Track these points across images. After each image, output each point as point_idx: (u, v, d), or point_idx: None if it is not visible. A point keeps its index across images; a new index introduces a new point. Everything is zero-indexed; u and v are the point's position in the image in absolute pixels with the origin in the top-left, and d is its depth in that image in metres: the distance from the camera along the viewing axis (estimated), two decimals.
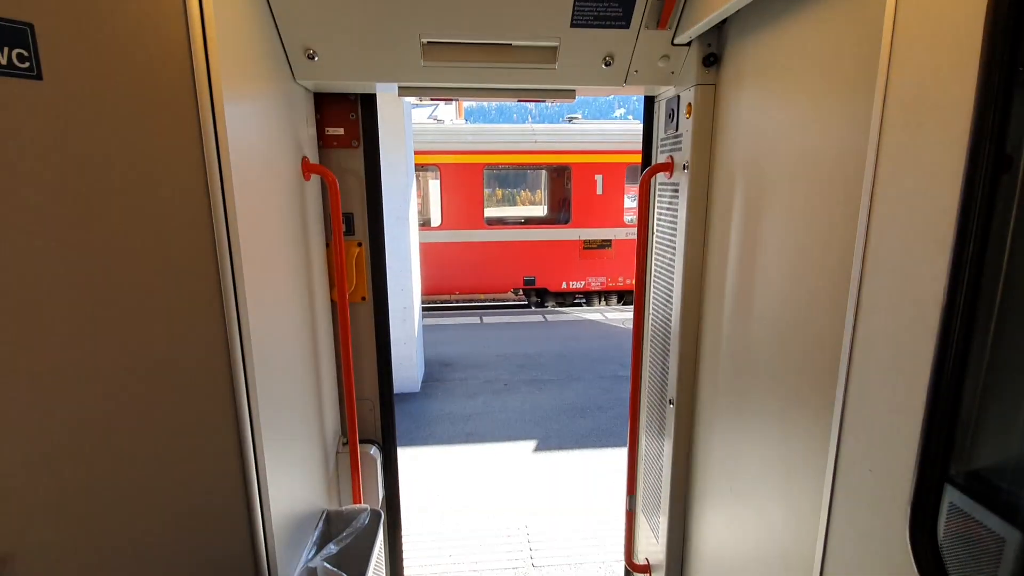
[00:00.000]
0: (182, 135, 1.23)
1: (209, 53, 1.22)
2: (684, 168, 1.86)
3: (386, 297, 2.28)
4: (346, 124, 2.10)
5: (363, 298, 2.25)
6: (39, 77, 1.11)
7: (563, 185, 11.17)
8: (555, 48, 1.76)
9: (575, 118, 12.25)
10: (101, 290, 1.22)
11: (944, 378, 0.87)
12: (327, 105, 2.06)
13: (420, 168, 9.96)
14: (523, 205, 16.93)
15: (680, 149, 1.90)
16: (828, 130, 1.19)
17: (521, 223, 11.96)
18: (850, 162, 1.11)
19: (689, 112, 1.82)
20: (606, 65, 1.81)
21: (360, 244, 2.21)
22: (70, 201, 1.17)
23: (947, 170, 0.86)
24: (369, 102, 2.10)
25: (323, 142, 2.10)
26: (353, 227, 2.20)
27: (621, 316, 9.89)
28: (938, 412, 0.88)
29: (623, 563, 2.49)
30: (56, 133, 1.14)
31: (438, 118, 12.00)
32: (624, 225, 10.82)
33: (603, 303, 11.49)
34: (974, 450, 0.90)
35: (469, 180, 10.33)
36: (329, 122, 2.09)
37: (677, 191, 1.93)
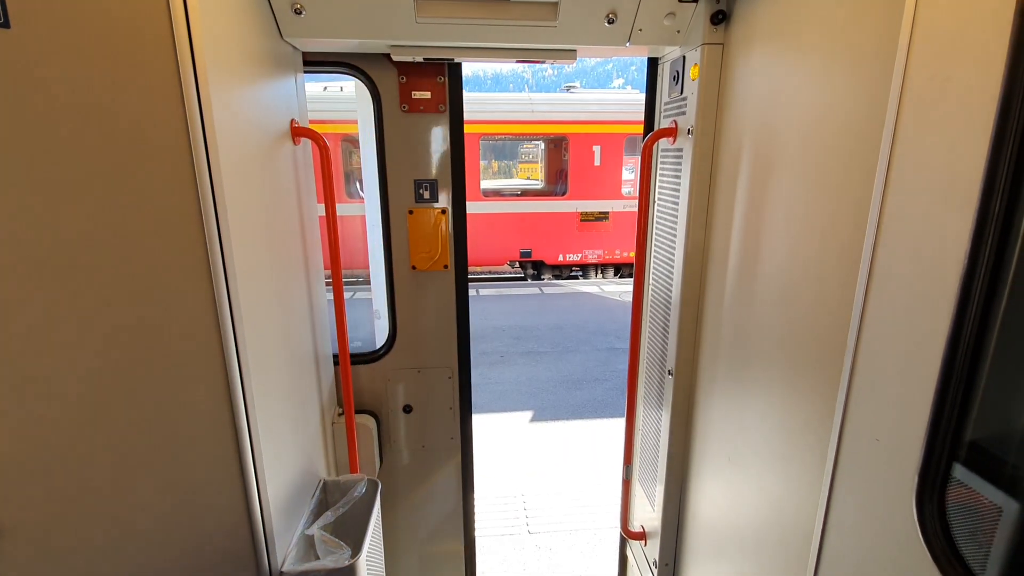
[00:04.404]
0: (160, 91, 1.16)
1: (188, 3, 1.15)
2: (688, 133, 1.80)
3: (466, 265, 2.26)
4: (433, 88, 2.06)
5: (445, 266, 2.21)
6: (6, 25, 1.04)
7: (560, 156, 11.00)
8: (556, 4, 1.68)
9: (573, 87, 11.99)
10: (80, 256, 1.17)
11: (960, 345, 0.84)
12: (413, 69, 2.04)
13: None
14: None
15: (685, 113, 1.84)
16: (846, 89, 1.14)
17: (518, 195, 11.83)
18: (868, 119, 1.06)
19: (695, 74, 1.75)
20: (609, 23, 1.73)
21: (444, 211, 2.16)
22: (38, 159, 1.11)
23: (976, 126, 0.82)
24: (455, 69, 2.08)
25: (408, 106, 2.08)
26: (437, 194, 2.15)
27: (618, 289, 9.89)
28: (952, 380, 0.86)
29: (618, 530, 2.52)
30: (25, 83, 1.07)
31: None
32: (622, 197, 10.70)
33: (600, 276, 11.47)
34: (986, 421, 0.88)
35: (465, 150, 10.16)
36: (415, 85, 2.05)
37: (681, 157, 1.88)
